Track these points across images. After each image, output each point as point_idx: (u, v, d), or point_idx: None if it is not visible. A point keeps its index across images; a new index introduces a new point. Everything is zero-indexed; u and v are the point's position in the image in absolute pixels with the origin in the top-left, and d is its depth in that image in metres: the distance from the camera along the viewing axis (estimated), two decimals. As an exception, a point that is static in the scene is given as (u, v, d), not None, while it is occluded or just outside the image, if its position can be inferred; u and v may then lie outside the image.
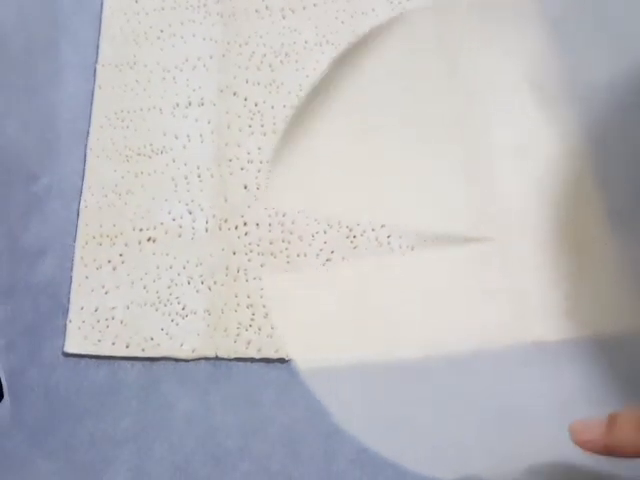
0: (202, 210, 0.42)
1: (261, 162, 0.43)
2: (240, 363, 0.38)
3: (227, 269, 0.40)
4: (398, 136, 0.47)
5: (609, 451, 0.33)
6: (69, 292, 0.38)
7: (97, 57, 0.47)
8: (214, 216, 0.42)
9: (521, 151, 0.46)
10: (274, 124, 0.44)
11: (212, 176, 0.43)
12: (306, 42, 0.47)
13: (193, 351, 0.38)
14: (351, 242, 0.41)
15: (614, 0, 0.51)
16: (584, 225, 0.44)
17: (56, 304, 0.38)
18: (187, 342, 0.38)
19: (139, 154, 0.44)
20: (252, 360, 0.38)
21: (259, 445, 0.35)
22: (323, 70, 0.46)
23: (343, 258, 0.40)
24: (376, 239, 0.41)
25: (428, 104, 0.48)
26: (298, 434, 0.36)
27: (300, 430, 0.36)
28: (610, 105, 0.47)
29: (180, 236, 0.41)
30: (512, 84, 0.49)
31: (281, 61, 0.47)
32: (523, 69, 0.49)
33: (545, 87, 0.49)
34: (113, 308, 0.38)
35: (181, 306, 0.39)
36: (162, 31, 0.48)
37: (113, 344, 0.38)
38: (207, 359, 0.38)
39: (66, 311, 0.38)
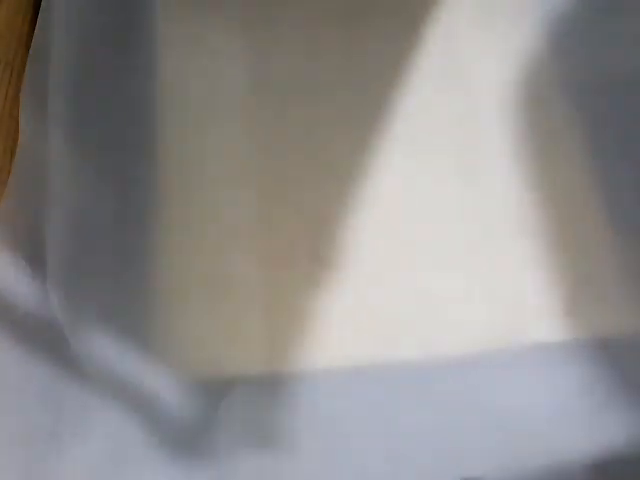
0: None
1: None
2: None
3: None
4: (394, 135, 0.47)
5: None
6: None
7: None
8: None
9: (520, 151, 0.46)
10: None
11: None
12: None
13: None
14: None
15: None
16: (584, 225, 0.44)
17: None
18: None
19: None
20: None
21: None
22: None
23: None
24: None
25: (426, 103, 0.48)
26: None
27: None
28: (610, 104, 0.47)
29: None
30: (510, 83, 0.49)
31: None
32: (521, 68, 0.49)
33: (542, 87, 0.49)
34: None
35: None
36: None
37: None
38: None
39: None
